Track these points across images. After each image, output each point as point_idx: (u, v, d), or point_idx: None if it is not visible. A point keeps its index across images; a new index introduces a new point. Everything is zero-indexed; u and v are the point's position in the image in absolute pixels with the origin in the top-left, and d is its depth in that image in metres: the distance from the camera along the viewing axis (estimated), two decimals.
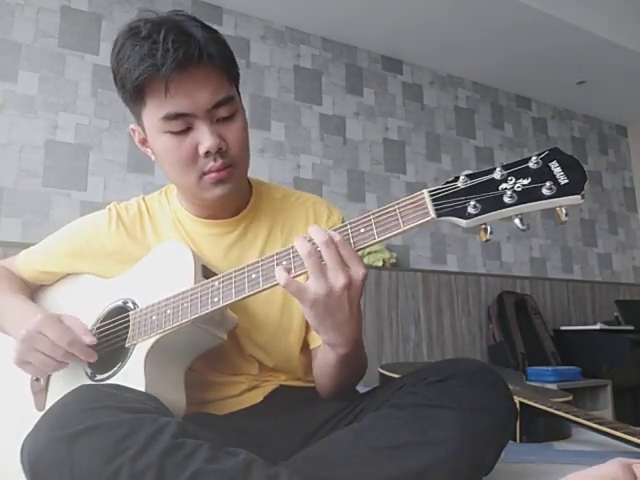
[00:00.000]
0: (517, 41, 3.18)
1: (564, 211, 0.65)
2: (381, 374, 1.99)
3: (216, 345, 0.91)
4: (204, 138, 0.87)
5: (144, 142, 0.96)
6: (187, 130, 0.88)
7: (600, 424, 1.37)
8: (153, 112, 0.88)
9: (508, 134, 3.75)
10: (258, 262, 0.81)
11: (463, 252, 3.32)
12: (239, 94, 0.95)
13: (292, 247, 0.78)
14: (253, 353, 0.99)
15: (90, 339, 0.89)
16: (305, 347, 1.02)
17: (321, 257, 0.73)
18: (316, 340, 0.99)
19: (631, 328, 3.16)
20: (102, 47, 2.49)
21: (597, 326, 3.22)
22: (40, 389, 0.96)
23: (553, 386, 2.56)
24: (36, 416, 0.74)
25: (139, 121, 0.93)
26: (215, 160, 0.88)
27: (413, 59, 3.39)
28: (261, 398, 0.98)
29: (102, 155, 2.42)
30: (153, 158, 0.97)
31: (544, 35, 3.11)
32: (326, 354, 0.86)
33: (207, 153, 0.87)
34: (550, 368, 2.81)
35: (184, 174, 0.91)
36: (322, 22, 3.00)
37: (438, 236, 3.23)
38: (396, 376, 0.93)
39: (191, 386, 0.91)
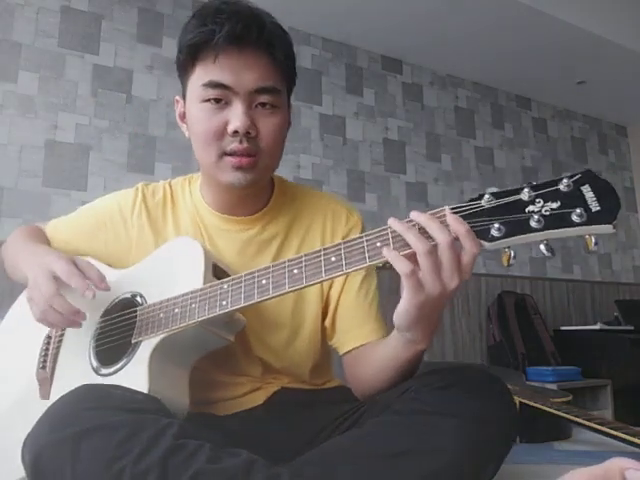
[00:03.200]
0: (517, 41, 3.18)
1: (594, 240, 0.61)
2: None
3: (222, 346, 0.91)
4: (235, 117, 0.88)
5: (183, 117, 0.98)
6: (224, 105, 0.89)
7: (600, 424, 1.37)
8: (198, 78, 0.90)
9: (508, 134, 3.75)
10: (269, 268, 0.79)
11: None
12: (289, 100, 0.97)
13: (344, 243, 0.73)
14: (261, 354, 0.98)
15: (102, 285, 0.86)
16: (319, 348, 1.02)
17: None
18: (347, 344, 0.97)
19: (631, 328, 3.16)
20: (102, 47, 2.49)
21: (597, 326, 3.23)
22: (44, 378, 0.95)
23: (553, 386, 2.56)
24: (40, 403, 0.73)
25: (184, 92, 0.95)
26: (241, 142, 0.89)
27: (413, 59, 3.39)
28: (263, 400, 0.97)
29: (102, 155, 2.42)
30: (187, 134, 0.97)
31: (544, 35, 3.11)
32: (399, 352, 0.81)
33: (235, 132, 0.88)
34: (550, 368, 2.81)
35: (206, 148, 0.91)
36: (322, 22, 2.99)
37: None
38: None
39: (194, 385, 0.91)
